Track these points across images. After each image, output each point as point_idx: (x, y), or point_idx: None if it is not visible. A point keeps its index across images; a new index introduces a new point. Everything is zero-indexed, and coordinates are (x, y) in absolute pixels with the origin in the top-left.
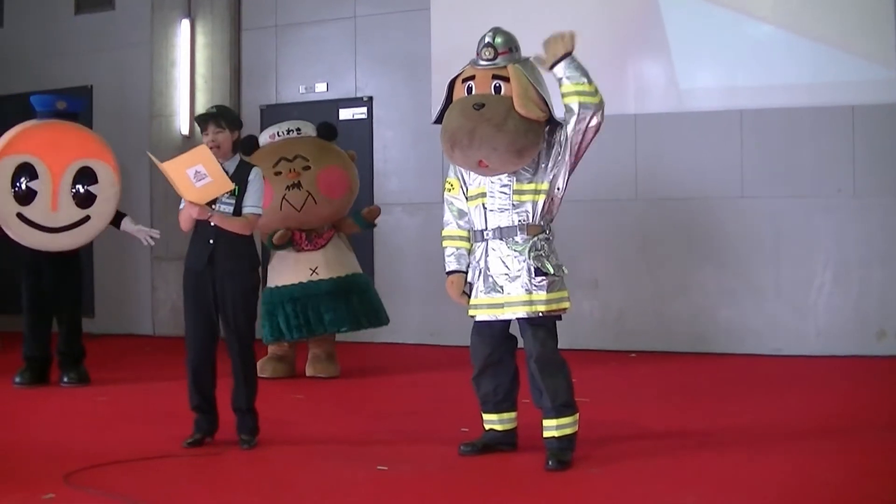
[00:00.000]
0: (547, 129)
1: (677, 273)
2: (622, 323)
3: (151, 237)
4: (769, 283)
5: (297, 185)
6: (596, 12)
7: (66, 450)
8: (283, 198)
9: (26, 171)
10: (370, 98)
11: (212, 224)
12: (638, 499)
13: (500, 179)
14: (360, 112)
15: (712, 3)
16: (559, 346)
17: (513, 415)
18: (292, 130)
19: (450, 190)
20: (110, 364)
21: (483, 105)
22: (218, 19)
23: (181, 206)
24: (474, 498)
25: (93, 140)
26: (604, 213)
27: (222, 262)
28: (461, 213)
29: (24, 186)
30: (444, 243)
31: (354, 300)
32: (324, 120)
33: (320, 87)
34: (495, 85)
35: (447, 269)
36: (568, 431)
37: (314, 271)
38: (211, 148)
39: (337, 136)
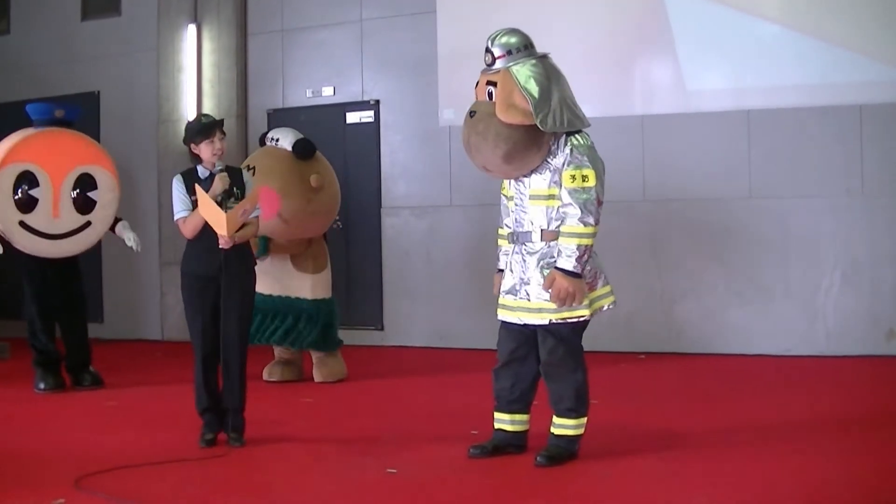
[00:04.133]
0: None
1: (686, 274)
2: (631, 324)
3: (137, 245)
4: (778, 284)
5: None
6: (602, 13)
7: (76, 454)
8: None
9: (27, 179)
10: (377, 101)
11: None
12: (649, 499)
13: (521, 182)
14: (367, 115)
15: (719, 3)
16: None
17: (525, 417)
18: (273, 140)
19: (503, 189)
20: (120, 369)
21: (475, 113)
22: (224, 24)
23: (180, 215)
24: (484, 500)
25: (91, 146)
26: (611, 215)
27: (232, 267)
28: (507, 213)
29: (25, 194)
30: (498, 241)
31: (268, 320)
32: (327, 125)
33: (327, 91)
34: (488, 91)
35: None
36: (569, 433)
37: None
38: (219, 156)
39: (312, 155)
